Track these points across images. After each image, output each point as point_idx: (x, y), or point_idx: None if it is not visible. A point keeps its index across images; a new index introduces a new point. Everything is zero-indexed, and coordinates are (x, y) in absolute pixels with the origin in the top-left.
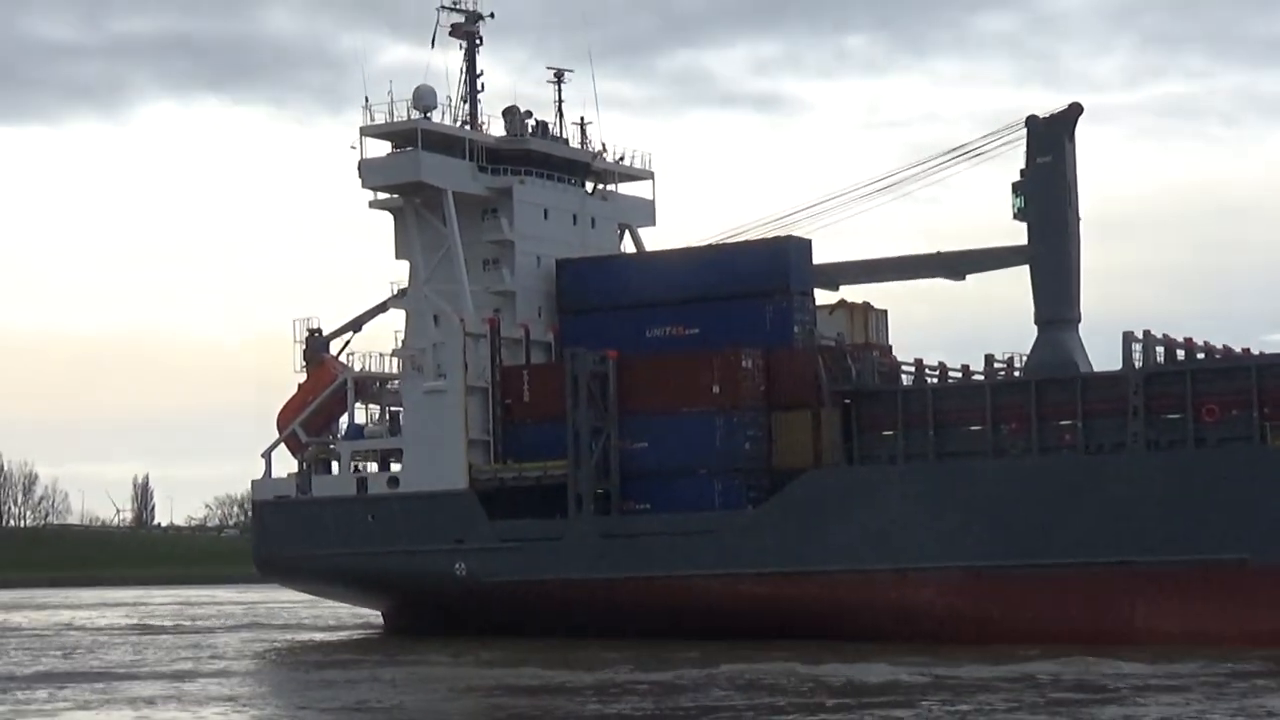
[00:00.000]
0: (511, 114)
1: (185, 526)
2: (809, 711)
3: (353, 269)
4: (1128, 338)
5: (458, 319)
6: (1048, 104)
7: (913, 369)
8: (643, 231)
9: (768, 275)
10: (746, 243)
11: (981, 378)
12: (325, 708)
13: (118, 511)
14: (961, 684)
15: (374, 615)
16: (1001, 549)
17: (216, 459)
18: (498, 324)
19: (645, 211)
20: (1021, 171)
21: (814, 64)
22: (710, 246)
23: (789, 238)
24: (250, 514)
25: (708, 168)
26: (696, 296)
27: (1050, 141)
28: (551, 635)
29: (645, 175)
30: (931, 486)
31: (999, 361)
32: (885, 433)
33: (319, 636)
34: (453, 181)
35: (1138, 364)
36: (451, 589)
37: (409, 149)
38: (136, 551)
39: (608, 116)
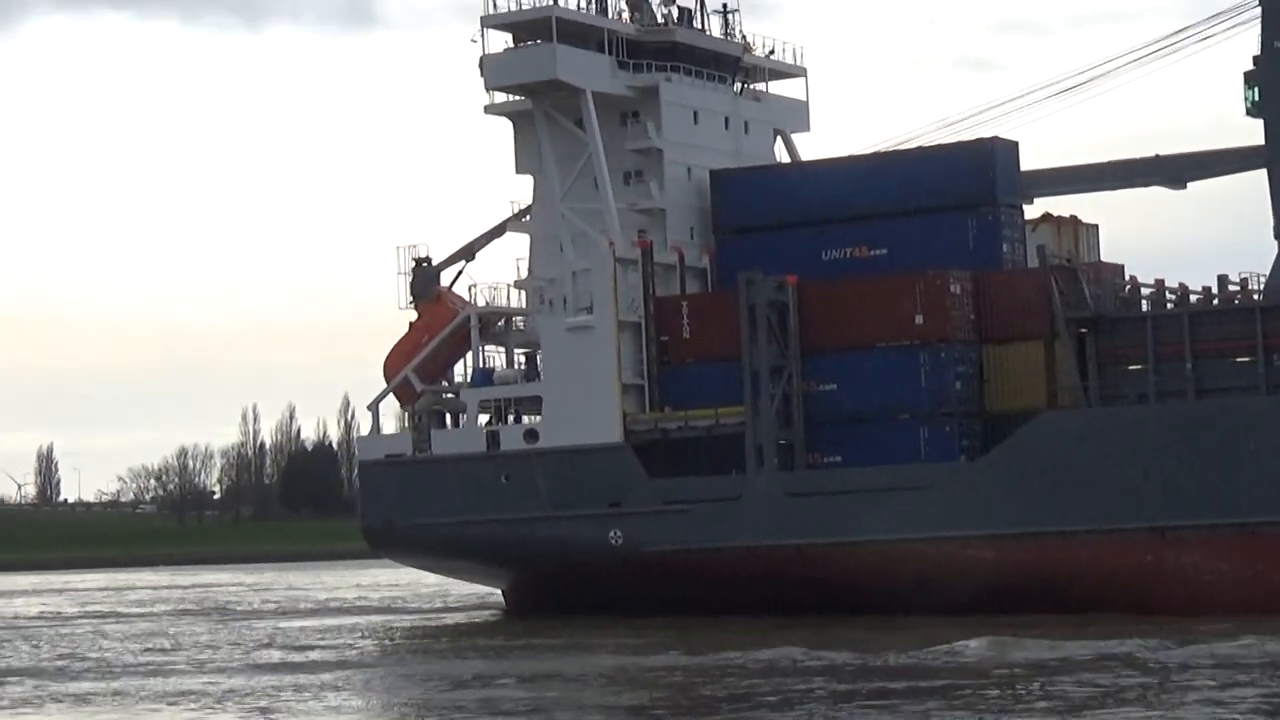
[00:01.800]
0: (639, 2)
1: (96, 503)
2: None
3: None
4: None
5: (606, 242)
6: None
7: (1152, 291)
8: (796, 138)
9: (970, 185)
10: (942, 147)
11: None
12: None
13: (19, 487)
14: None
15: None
16: None
17: (130, 426)
18: (650, 247)
19: (799, 115)
20: (1255, 59)
21: None
22: (897, 152)
23: (994, 139)
24: (357, 477)
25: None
26: (883, 211)
27: None
28: (725, 612)
29: (797, 72)
30: (1193, 429)
31: (1232, 283)
32: (1132, 367)
33: (438, 620)
34: (591, 79)
35: None
36: (604, 560)
37: (537, 42)
38: (43, 532)
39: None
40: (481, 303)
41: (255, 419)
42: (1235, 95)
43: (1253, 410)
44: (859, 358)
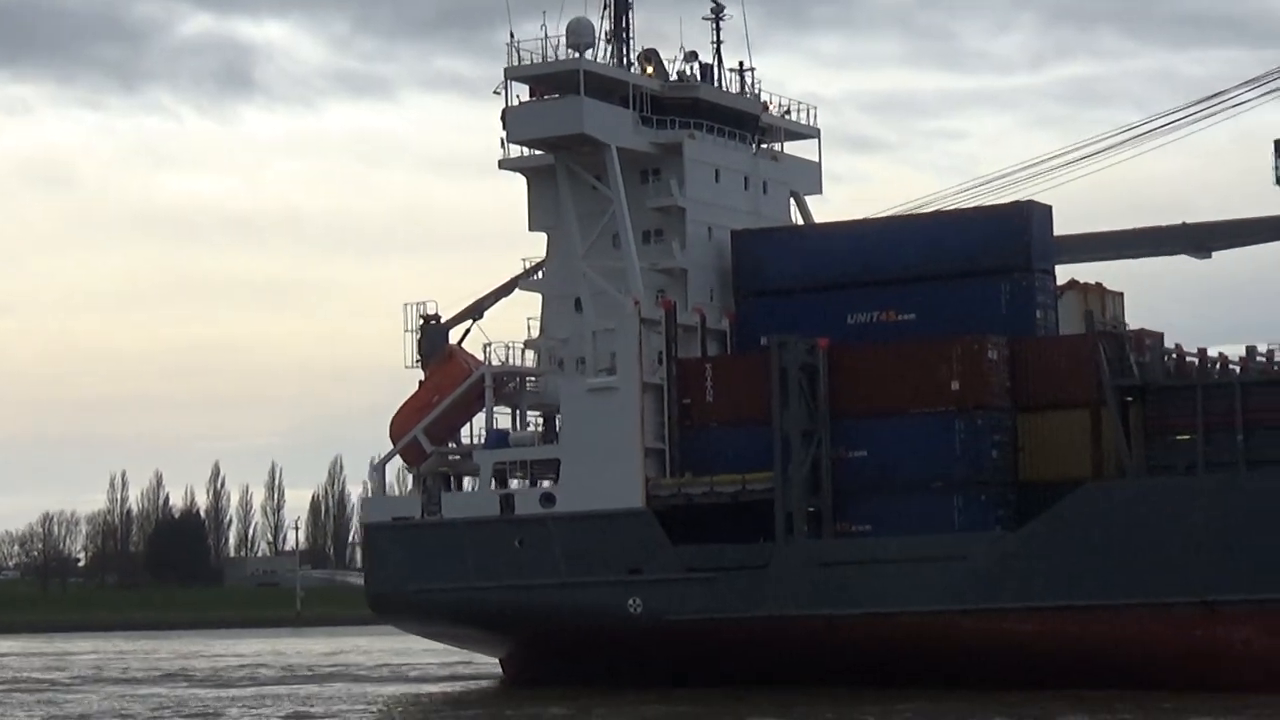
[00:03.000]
0: (651, 59)
1: None
2: None
3: None
4: None
5: (632, 302)
6: (942, 86)
7: (1195, 359)
8: (809, 200)
9: (1004, 249)
10: (974, 210)
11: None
12: None
13: None
14: None
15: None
16: None
17: None
18: (674, 308)
19: (813, 176)
20: None
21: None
22: (927, 214)
23: (1030, 203)
24: (362, 541)
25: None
26: (911, 275)
27: None
28: (747, 684)
29: (811, 133)
30: (1246, 501)
31: (1260, 355)
32: (1180, 436)
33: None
34: (616, 135)
35: None
36: (622, 629)
37: (560, 95)
38: None
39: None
40: (495, 362)
41: (123, 486)
42: (1261, 163)
43: None
44: (891, 424)
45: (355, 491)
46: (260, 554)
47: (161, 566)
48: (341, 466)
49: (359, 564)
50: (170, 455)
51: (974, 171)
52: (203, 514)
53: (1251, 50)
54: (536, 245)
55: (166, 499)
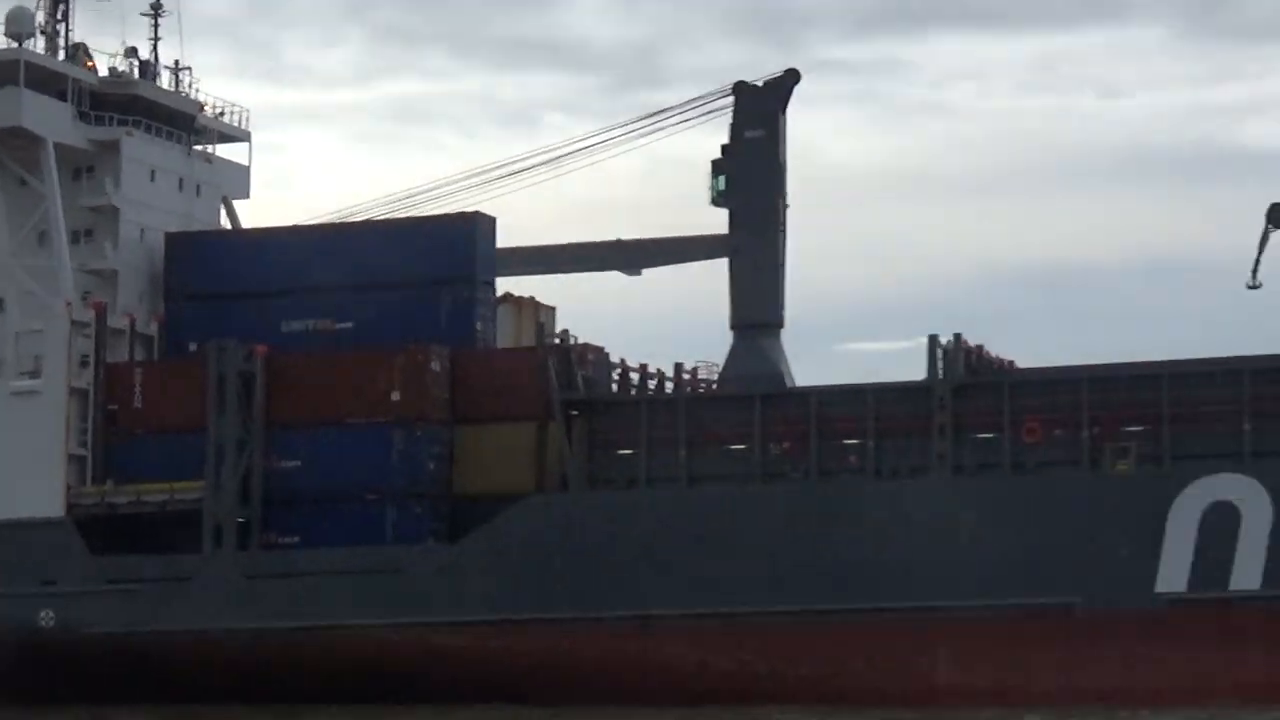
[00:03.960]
0: (88, 53)
1: None
2: None
3: None
4: (933, 342)
5: (64, 304)
6: (266, 99)
7: (637, 375)
8: (236, 205)
9: (448, 260)
10: (417, 220)
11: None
12: None
13: None
14: None
15: None
16: (773, 593)
17: None
18: (105, 310)
19: (242, 180)
20: (724, 148)
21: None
22: (370, 223)
23: (476, 214)
24: None
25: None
26: (349, 284)
27: (763, 113)
28: (173, 702)
29: (242, 136)
30: (688, 517)
31: (686, 372)
32: (622, 451)
33: None
34: (54, 130)
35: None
36: (33, 644)
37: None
38: None
39: None
40: None
41: None
42: (693, 182)
43: (748, 499)
44: (329, 434)
45: None
46: None
47: None
48: None
49: None
50: None
51: (291, 184)
52: None
53: (571, 76)
54: None
55: None
